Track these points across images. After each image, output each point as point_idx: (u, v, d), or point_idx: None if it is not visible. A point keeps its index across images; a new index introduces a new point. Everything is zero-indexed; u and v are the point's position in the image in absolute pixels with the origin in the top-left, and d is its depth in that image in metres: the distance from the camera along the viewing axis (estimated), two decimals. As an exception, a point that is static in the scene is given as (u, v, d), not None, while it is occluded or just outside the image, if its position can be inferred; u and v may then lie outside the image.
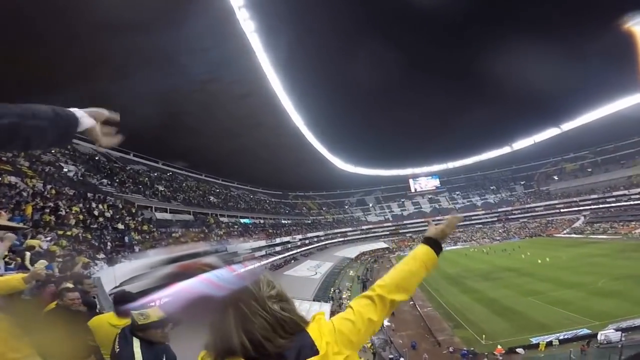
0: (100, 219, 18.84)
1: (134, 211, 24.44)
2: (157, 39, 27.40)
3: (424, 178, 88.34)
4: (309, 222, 68.03)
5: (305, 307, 24.34)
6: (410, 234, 75.19)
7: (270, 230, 46.98)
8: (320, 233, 64.49)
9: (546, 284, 27.72)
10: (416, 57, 49.28)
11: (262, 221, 49.63)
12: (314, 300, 28.45)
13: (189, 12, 27.25)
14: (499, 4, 43.08)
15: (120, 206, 23.23)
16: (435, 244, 1.23)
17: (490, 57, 42.48)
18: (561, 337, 16.78)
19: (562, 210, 69.90)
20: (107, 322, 2.54)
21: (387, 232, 77.93)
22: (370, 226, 79.26)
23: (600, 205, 62.55)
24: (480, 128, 63.47)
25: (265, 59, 36.66)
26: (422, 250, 1.21)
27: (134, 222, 22.73)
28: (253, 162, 54.53)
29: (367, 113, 58.61)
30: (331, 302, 29.60)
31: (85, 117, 0.91)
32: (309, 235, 59.36)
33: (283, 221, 57.38)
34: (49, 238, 11.54)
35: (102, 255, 14.31)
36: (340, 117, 56.33)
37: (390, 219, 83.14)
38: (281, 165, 60.43)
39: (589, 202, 65.18)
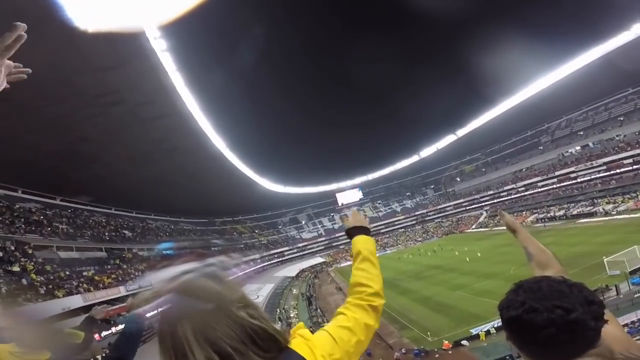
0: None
1: (30, 252, 22.82)
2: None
3: (348, 191, 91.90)
4: (242, 246, 65.63)
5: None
6: (343, 246, 77.32)
7: (201, 250, 43.83)
8: (256, 256, 62.70)
9: (469, 277, 30.38)
10: (327, 77, 51.83)
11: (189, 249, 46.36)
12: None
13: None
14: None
15: (12, 248, 21.74)
16: (361, 229, 1.26)
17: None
18: (496, 325, 17.71)
19: (467, 207, 77.74)
20: (6, 350, 2.33)
21: (322, 247, 78.86)
22: (306, 243, 79.41)
23: (496, 200, 70.66)
24: (392, 141, 70.00)
25: (178, 78, 33.88)
26: (368, 242, 1.21)
27: (32, 263, 21.59)
28: (170, 190, 48.94)
29: (290, 132, 59.33)
30: (279, 322, 29.29)
31: None
32: (244, 259, 57.04)
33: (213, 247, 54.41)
34: None
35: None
36: (265, 137, 55.85)
37: (323, 233, 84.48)
38: (203, 191, 56.00)
39: (487, 197, 73.54)
